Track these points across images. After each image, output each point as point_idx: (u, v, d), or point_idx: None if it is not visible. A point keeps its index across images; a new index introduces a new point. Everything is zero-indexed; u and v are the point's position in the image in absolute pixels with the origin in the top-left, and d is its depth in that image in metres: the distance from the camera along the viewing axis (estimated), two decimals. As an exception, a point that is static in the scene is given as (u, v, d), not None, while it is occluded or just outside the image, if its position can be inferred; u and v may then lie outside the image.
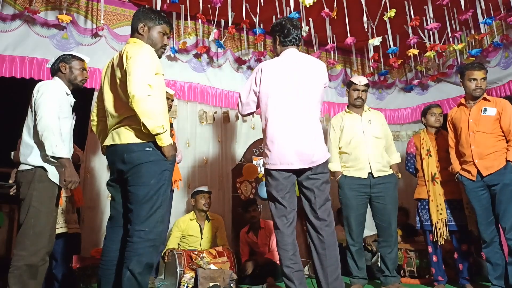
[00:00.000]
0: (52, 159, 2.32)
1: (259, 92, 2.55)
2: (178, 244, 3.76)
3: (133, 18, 2.32)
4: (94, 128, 2.48)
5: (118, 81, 2.16)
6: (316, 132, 2.50)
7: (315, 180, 2.49)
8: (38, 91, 2.42)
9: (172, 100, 3.56)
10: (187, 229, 3.74)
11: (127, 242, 2.05)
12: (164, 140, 2.06)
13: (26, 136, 2.43)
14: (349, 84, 3.49)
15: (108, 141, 2.21)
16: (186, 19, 3.98)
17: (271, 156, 2.48)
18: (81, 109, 2.82)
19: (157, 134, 2.04)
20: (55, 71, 2.59)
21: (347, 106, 3.50)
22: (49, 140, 2.28)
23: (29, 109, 2.46)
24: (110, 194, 2.31)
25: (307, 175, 2.49)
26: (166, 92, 3.21)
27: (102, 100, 2.31)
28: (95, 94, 3.82)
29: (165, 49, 2.38)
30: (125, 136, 2.12)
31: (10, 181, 2.75)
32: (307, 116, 2.49)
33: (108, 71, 2.30)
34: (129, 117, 2.13)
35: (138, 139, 2.10)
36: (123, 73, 2.11)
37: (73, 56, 2.62)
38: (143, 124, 2.02)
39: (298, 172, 2.52)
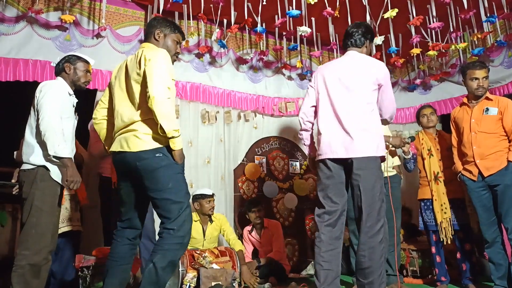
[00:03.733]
0: (54, 159, 2.33)
1: (317, 92, 2.68)
2: None
3: (149, 25, 2.39)
4: (96, 127, 2.50)
5: (133, 83, 2.18)
6: (363, 126, 2.46)
7: (359, 175, 2.42)
8: (40, 91, 2.44)
9: None
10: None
11: (157, 239, 2.12)
12: (177, 144, 2.11)
13: (29, 136, 2.44)
14: None
15: (115, 147, 2.22)
16: (188, 18, 3.98)
17: (319, 147, 2.58)
18: (83, 110, 2.82)
19: (172, 137, 2.08)
20: (59, 70, 2.61)
21: None
22: (51, 139, 2.29)
23: (32, 109, 2.48)
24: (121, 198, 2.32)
25: (353, 170, 2.44)
26: None
27: (111, 101, 2.34)
28: (98, 94, 3.82)
29: (177, 57, 2.48)
30: (134, 144, 2.14)
31: (13, 181, 2.77)
32: (353, 110, 2.49)
33: (120, 72, 2.32)
34: (138, 123, 2.15)
35: (147, 146, 2.12)
36: (141, 75, 2.14)
37: (79, 58, 2.64)
38: (160, 126, 2.04)
39: (346, 169, 2.50)
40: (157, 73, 2.07)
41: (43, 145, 2.35)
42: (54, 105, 2.38)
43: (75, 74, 2.60)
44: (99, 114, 2.48)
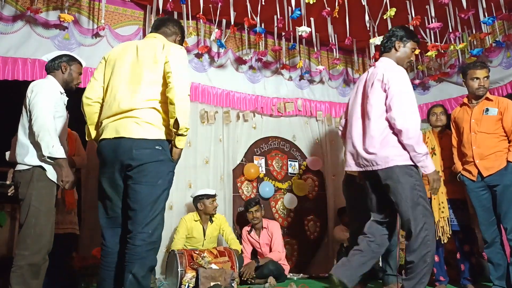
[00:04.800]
0: (48, 159, 2.31)
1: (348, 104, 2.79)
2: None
3: (174, 24, 2.41)
4: (87, 108, 2.24)
5: (145, 71, 2.10)
6: (378, 138, 2.40)
7: (387, 186, 2.40)
8: (32, 91, 2.42)
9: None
10: (191, 229, 3.73)
11: (128, 245, 1.99)
12: (182, 142, 2.10)
13: (22, 136, 2.43)
14: None
15: (109, 134, 2.07)
16: (187, 18, 3.97)
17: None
18: (78, 109, 2.80)
19: (181, 135, 2.06)
20: (53, 68, 2.58)
21: None
22: (45, 140, 2.28)
23: (24, 108, 2.45)
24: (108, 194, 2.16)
25: (380, 181, 2.43)
26: None
27: (108, 82, 2.18)
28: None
29: None
30: (135, 131, 2.03)
31: (8, 182, 2.74)
32: (367, 120, 2.47)
33: (124, 54, 2.18)
34: (140, 110, 2.05)
35: (149, 136, 2.04)
36: (158, 65, 2.10)
37: (75, 59, 2.63)
38: (175, 120, 2.01)
39: (374, 180, 2.50)
40: (182, 70, 2.09)
41: (36, 145, 2.33)
42: (47, 104, 2.37)
43: (70, 75, 2.60)
44: (95, 93, 2.21)
